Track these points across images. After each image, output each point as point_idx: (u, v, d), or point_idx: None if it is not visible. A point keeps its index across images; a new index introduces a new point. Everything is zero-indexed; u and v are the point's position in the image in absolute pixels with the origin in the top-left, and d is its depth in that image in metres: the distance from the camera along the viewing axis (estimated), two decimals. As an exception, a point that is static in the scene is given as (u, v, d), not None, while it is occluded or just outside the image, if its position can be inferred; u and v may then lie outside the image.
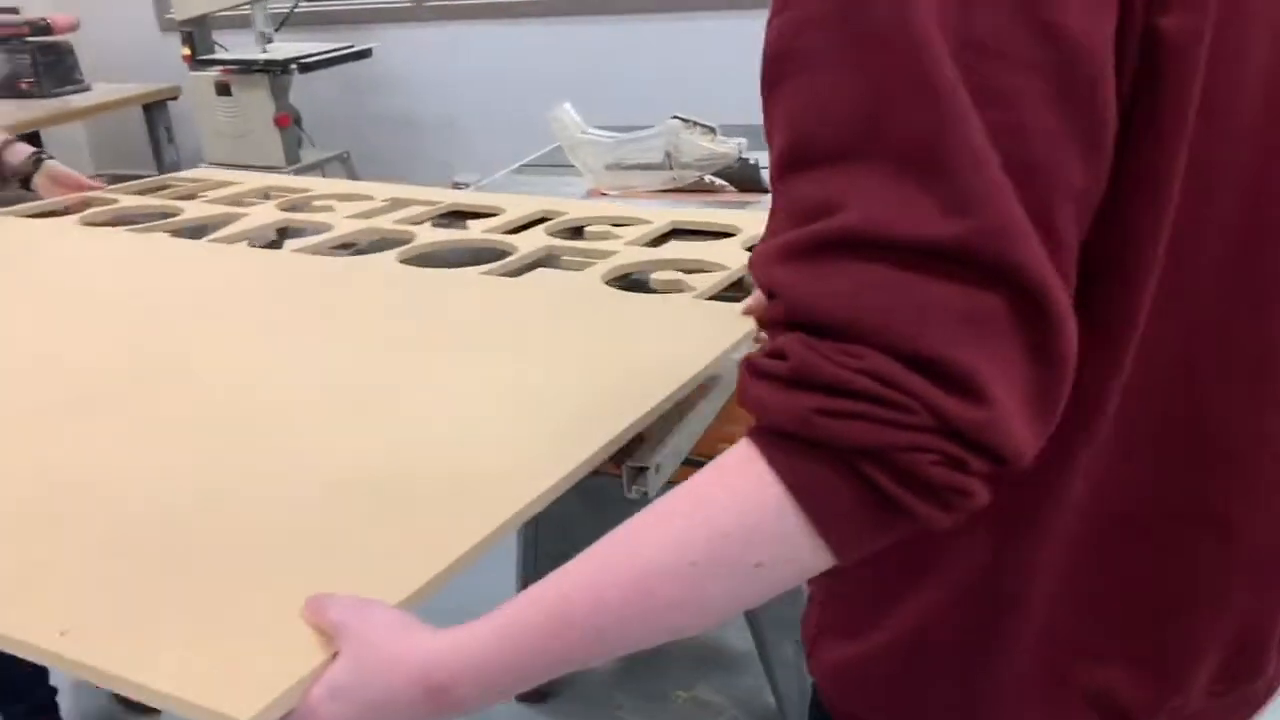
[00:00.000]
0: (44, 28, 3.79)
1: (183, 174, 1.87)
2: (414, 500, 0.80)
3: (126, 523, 0.79)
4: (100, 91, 3.88)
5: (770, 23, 0.53)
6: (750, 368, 0.53)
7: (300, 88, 3.79)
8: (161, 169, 3.85)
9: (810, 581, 0.72)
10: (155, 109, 3.88)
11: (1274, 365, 0.62)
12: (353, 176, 3.91)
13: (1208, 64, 0.53)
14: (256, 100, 3.67)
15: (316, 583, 0.68)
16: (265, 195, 1.72)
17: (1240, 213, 0.58)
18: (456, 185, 3.74)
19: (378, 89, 4.24)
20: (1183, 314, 0.59)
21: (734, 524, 0.52)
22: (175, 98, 3.88)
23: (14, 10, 3.94)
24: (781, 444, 0.51)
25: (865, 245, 0.48)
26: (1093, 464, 0.60)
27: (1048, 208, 0.49)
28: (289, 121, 3.70)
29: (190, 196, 1.73)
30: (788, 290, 0.51)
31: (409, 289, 1.26)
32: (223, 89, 3.71)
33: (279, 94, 3.67)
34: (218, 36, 3.87)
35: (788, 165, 0.52)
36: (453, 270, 1.32)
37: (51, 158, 1.76)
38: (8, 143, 1.78)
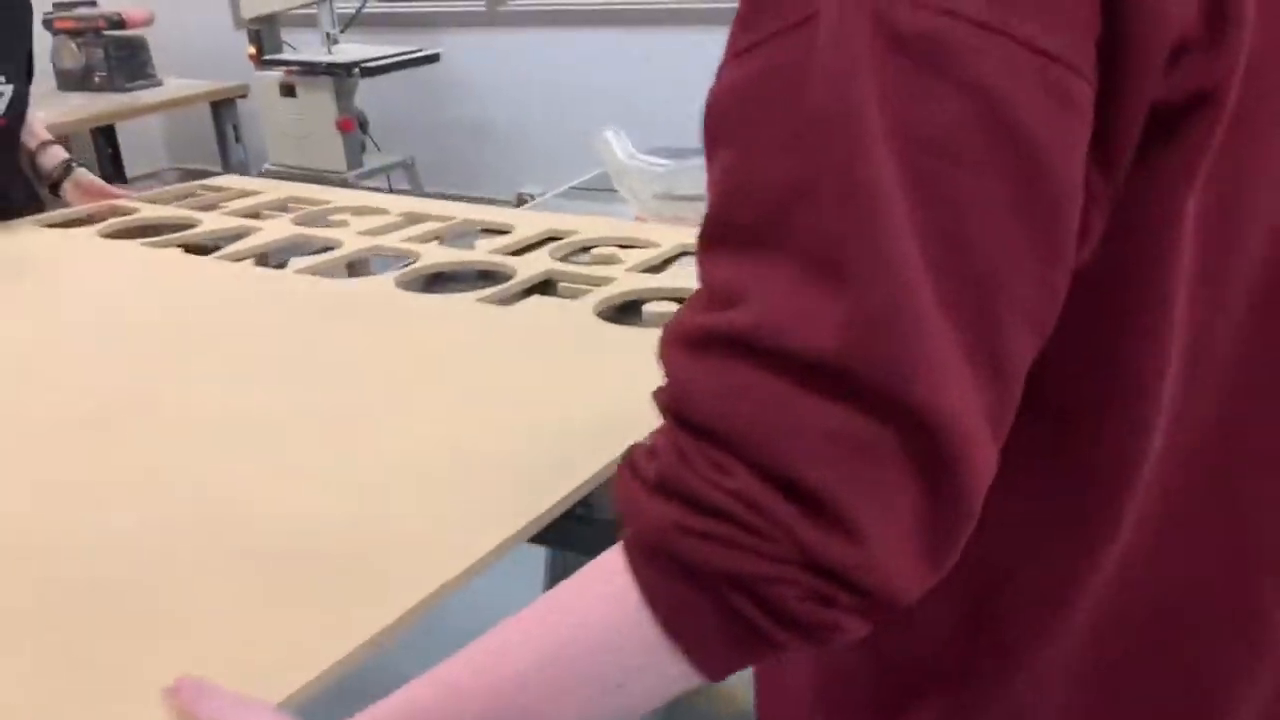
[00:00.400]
0: (118, 22, 3.91)
1: (209, 181, 1.93)
2: (335, 572, 0.80)
3: (37, 579, 0.81)
4: (171, 87, 4.00)
5: (719, 71, 0.51)
6: (627, 461, 0.51)
7: (369, 90, 3.87)
8: (227, 167, 3.95)
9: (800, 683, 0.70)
10: (223, 107, 3.98)
11: None
12: (417, 184, 3.97)
13: (1235, 115, 0.50)
14: (320, 103, 3.75)
15: (204, 665, 0.68)
16: (283, 207, 1.76)
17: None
18: (522, 197, 3.78)
19: (447, 95, 4.30)
20: (1205, 417, 0.57)
21: (596, 640, 0.51)
22: (244, 96, 3.98)
23: (92, 3, 4.08)
24: (648, 556, 0.49)
25: (756, 350, 0.46)
26: (1121, 574, 0.59)
27: (991, 327, 0.46)
28: (352, 126, 3.78)
29: (211, 207, 1.77)
30: (674, 379, 0.50)
31: (398, 318, 1.28)
32: (287, 90, 3.80)
33: (343, 97, 3.74)
34: (289, 35, 3.97)
35: (707, 239, 0.50)
36: (447, 297, 1.34)
37: (81, 165, 1.82)
38: (44, 145, 1.84)
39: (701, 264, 0.51)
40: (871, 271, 0.45)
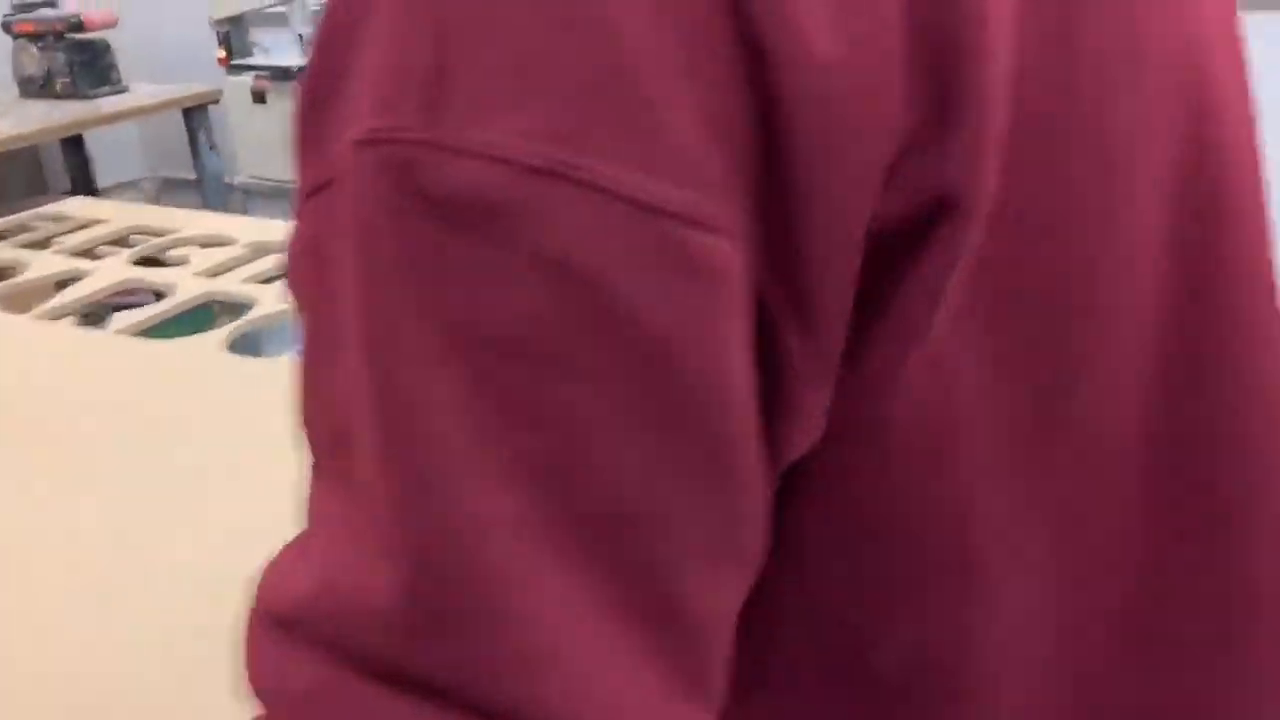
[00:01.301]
0: (78, 24, 3.76)
1: (47, 209, 1.81)
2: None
3: None
4: (139, 94, 3.84)
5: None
6: None
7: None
8: (200, 177, 3.80)
9: None
10: (195, 114, 3.82)
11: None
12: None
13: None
14: (292, 110, 3.58)
15: None
16: (125, 240, 1.64)
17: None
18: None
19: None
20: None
21: None
22: (216, 101, 3.82)
23: (52, 3, 3.94)
24: None
25: (320, 638, 0.36)
26: None
27: (649, 574, 0.36)
28: (327, 133, 3.60)
29: (46, 242, 1.62)
30: (251, 672, 0.39)
31: (223, 390, 1.16)
32: (258, 96, 3.64)
33: (316, 102, 3.57)
34: (261, 35, 3.80)
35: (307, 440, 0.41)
36: (281, 361, 1.21)
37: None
38: None
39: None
40: (426, 527, 0.35)
